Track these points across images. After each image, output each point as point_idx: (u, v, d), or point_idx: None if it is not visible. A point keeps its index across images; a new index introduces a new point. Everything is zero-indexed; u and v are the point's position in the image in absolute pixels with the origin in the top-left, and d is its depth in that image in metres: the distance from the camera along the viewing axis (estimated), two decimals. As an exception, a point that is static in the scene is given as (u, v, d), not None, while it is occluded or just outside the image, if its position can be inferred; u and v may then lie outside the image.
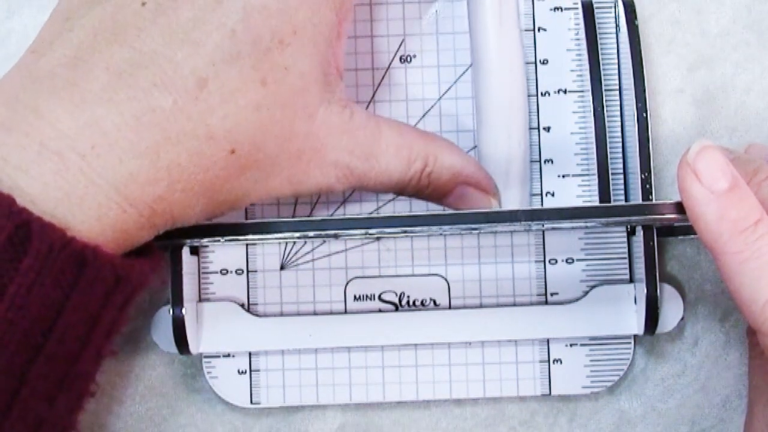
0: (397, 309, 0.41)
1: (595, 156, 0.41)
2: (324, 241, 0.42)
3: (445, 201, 0.39)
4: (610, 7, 0.42)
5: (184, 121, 0.31)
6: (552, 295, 0.41)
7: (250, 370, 0.41)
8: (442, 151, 0.37)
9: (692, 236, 0.41)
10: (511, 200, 0.40)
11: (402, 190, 0.37)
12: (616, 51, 0.42)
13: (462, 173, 0.38)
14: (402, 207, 0.42)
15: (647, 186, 0.39)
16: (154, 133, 0.31)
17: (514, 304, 0.41)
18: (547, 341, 0.41)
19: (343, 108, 0.35)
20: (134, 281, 0.32)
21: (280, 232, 0.37)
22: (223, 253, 0.42)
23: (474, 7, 0.40)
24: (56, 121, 0.30)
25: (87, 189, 0.30)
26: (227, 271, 0.42)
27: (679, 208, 0.36)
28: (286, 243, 0.42)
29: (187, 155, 0.31)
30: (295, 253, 0.42)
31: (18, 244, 0.29)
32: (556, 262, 0.42)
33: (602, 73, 0.41)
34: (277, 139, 0.33)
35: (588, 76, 0.41)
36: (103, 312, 0.31)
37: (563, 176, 0.42)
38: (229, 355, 0.41)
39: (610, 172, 0.41)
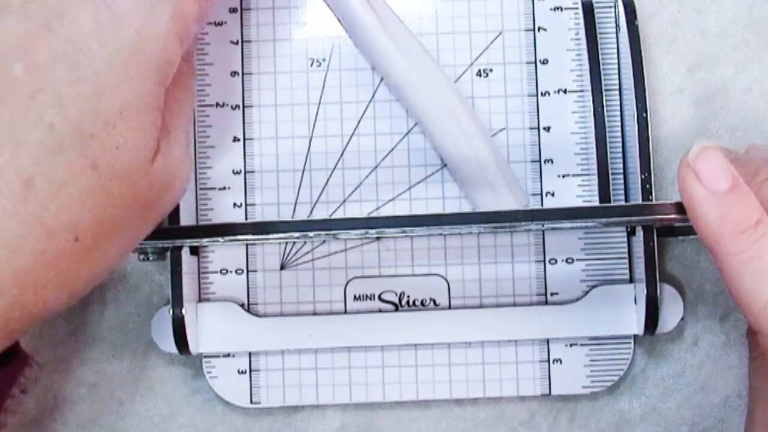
0: (397, 309, 0.41)
1: (595, 156, 0.41)
2: (324, 241, 0.41)
3: None
4: (610, 7, 0.42)
5: (18, 225, 0.30)
6: (552, 295, 0.41)
7: (250, 370, 0.41)
8: None
9: (692, 236, 0.41)
10: (502, 202, 0.40)
11: None
12: (616, 51, 0.42)
13: None
14: (402, 206, 0.42)
15: (647, 186, 0.39)
16: None
17: (514, 304, 0.41)
18: (547, 341, 0.41)
19: (170, 143, 0.34)
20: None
21: (280, 232, 0.37)
22: (223, 253, 0.42)
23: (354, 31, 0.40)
24: None
25: None
26: (227, 271, 0.42)
27: (680, 208, 0.36)
28: (286, 243, 0.42)
29: (30, 258, 0.30)
30: (295, 253, 0.42)
31: None
32: (556, 262, 0.42)
33: (602, 73, 0.41)
34: (122, 207, 0.32)
35: (588, 76, 0.41)
36: None
37: (563, 176, 0.42)
38: (229, 355, 0.41)
39: (610, 172, 0.41)
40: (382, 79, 0.42)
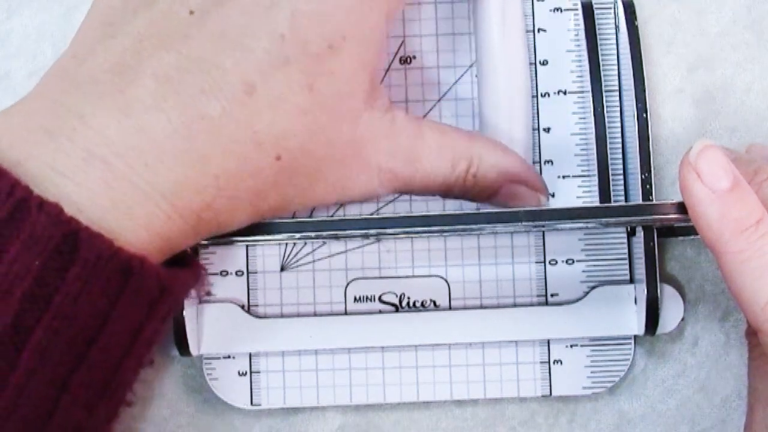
0: (397, 310, 0.41)
1: (595, 157, 0.41)
2: (324, 243, 0.41)
3: (493, 200, 0.38)
4: (610, 8, 0.42)
5: (233, 127, 0.31)
6: (552, 295, 0.41)
7: (251, 372, 0.41)
8: (487, 150, 0.37)
9: (692, 237, 0.41)
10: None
11: (448, 191, 0.37)
12: (615, 52, 0.42)
13: (508, 171, 0.38)
14: (402, 207, 0.42)
15: (647, 186, 0.39)
16: (204, 140, 0.30)
17: (515, 305, 0.41)
18: (548, 342, 0.41)
19: (386, 112, 0.35)
20: (177, 292, 0.32)
21: (281, 233, 0.37)
22: (223, 255, 0.42)
23: (478, 7, 0.40)
24: (102, 128, 0.30)
25: (134, 198, 0.30)
26: (227, 273, 0.42)
27: (680, 208, 0.36)
28: (287, 244, 0.42)
29: (235, 162, 0.31)
30: (296, 254, 0.42)
31: (66, 254, 0.29)
32: (557, 262, 0.41)
33: (602, 73, 0.41)
34: (323, 144, 0.33)
35: (588, 77, 0.41)
36: (146, 322, 0.31)
37: (563, 177, 0.42)
38: (229, 357, 0.41)
39: (610, 172, 0.41)
40: (382, 81, 0.42)
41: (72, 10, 0.44)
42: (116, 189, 0.30)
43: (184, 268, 0.33)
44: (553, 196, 0.42)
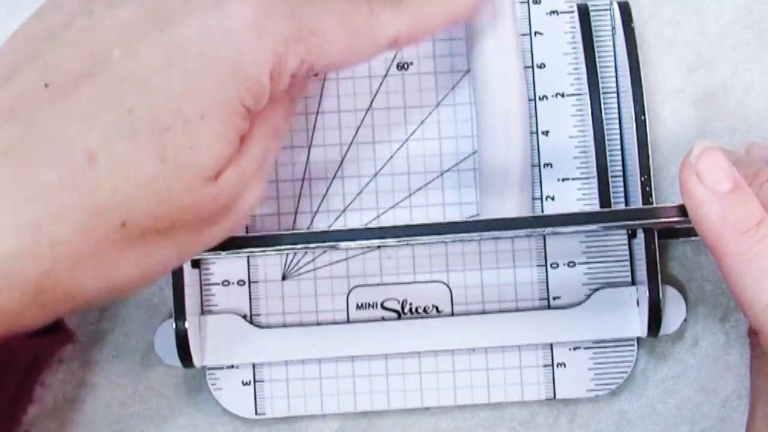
0: (399, 317, 0.41)
1: (594, 159, 0.41)
2: (325, 251, 0.42)
3: None
4: (606, 10, 0.42)
5: (69, 194, 0.30)
6: (554, 299, 0.41)
7: (254, 381, 0.41)
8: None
9: (693, 238, 0.41)
10: (510, 205, 0.40)
11: None
12: (613, 53, 0.42)
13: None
14: (402, 214, 0.42)
15: (647, 189, 0.39)
16: (37, 207, 0.30)
17: (517, 309, 0.41)
18: (551, 345, 0.41)
19: (253, 159, 0.34)
20: (23, 361, 0.31)
21: (281, 245, 0.37)
22: (225, 265, 0.42)
23: None
24: None
25: None
26: (229, 283, 0.42)
27: (681, 210, 0.36)
28: (287, 253, 0.42)
29: (72, 229, 0.30)
30: (297, 263, 0.42)
31: None
32: (558, 266, 0.41)
33: (600, 75, 0.41)
34: (178, 208, 0.31)
35: (585, 79, 0.41)
36: None
37: (563, 180, 0.42)
38: (232, 367, 0.41)
39: (609, 174, 0.41)
40: (379, 87, 0.42)
41: (70, 11, 0.44)
42: None
43: (48, 334, 0.32)
44: (552, 199, 0.42)
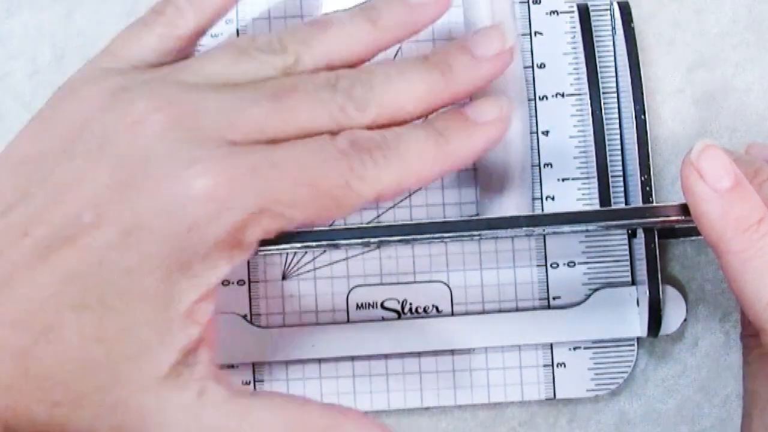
0: (399, 316, 0.41)
1: (594, 159, 0.41)
2: (325, 251, 0.42)
3: None
4: (606, 10, 0.42)
5: (27, 364, 0.30)
6: (554, 299, 0.41)
7: (254, 381, 0.41)
8: (359, 428, 0.32)
9: (693, 237, 0.41)
10: (510, 205, 0.40)
11: None
12: (613, 53, 0.42)
13: None
14: (402, 214, 0.42)
15: (647, 188, 0.39)
16: (8, 367, 0.30)
17: (517, 309, 0.41)
18: (551, 345, 0.41)
19: (195, 382, 0.31)
20: None
21: (280, 244, 0.37)
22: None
23: (469, 10, 0.40)
24: None
25: None
26: (228, 282, 0.42)
27: (681, 210, 0.36)
28: (287, 253, 0.42)
29: (22, 399, 0.30)
30: (297, 262, 0.42)
31: None
32: (558, 265, 0.41)
33: (600, 75, 0.41)
34: (98, 404, 0.31)
35: (585, 79, 0.41)
36: None
37: (563, 180, 0.42)
38: (232, 366, 0.41)
39: (609, 174, 0.41)
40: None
41: (72, 10, 0.44)
42: None
43: None
44: (552, 198, 0.42)
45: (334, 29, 0.34)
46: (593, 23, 0.41)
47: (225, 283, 0.42)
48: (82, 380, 0.30)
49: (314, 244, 0.37)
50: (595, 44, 0.41)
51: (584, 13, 0.41)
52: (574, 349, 0.41)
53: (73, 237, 0.30)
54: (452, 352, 0.41)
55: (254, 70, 0.33)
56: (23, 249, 0.31)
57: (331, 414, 0.32)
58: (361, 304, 0.42)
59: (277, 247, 0.37)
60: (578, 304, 0.41)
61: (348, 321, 0.41)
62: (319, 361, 0.41)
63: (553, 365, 0.41)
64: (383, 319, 0.41)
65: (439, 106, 0.34)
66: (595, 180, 0.41)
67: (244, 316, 0.41)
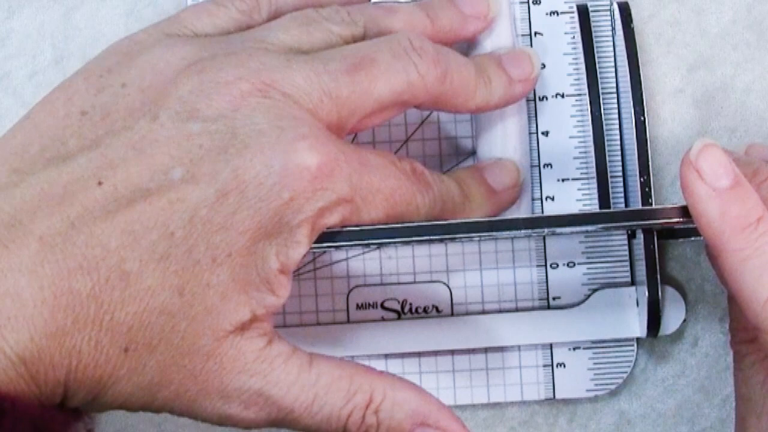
0: (399, 317, 0.41)
1: (594, 159, 0.41)
2: (325, 251, 0.42)
3: None
4: (606, 10, 0.42)
5: (95, 308, 0.30)
6: (554, 299, 0.41)
7: (255, 381, 0.41)
8: (394, 387, 0.34)
9: (693, 238, 0.40)
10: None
11: (343, 429, 0.34)
12: (612, 54, 0.42)
13: (419, 412, 0.34)
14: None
15: (647, 189, 0.39)
16: (67, 315, 0.30)
17: (517, 310, 0.41)
18: (550, 345, 0.41)
19: (261, 336, 0.33)
20: (55, 430, 0.31)
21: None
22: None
23: None
24: None
25: None
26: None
27: (680, 211, 0.36)
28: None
29: (87, 344, 0.31)
30: (297, 263, 0.42)
31: None
32: (558, 266, 0.41)
33: (599, 76, 0.41)
34: (173, 349, 0.32)
35: (585, 80, 0.41)
36: None
37: (562, 180, 0.42)
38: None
39: (609, 175, 0.41)
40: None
41: (72, 10, 0.44)
42: None
43: (64, 410, 0.32)
44: (552, 199, 0.42)
45: (400, 15, 0.37)
46: (593, 24, 0.41)
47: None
48: (159, 327, 0.31)
49: (314, 244, 0.37)
50: (595, 45, 0.41)
51: (584, 14, 0.41)
52: (574, 349, 0.41)
53: (158, 190, 0.31)
54: (452, 352, 0.41)
55: (324, 39, 0.35)
56: (97, 195, 0.31)
57: (377, 374, 0.34)
58: (361, 304, 0.42)
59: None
60: (578, 304, 0.41)
61: (348, 321, 0.42)
62: (320, 361, 0.41)
63: (552, 365, 0.41)
64: (383, 319, 0.42)
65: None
66: (595, 180, 0.41)
67: (245, 317, 0.41)
